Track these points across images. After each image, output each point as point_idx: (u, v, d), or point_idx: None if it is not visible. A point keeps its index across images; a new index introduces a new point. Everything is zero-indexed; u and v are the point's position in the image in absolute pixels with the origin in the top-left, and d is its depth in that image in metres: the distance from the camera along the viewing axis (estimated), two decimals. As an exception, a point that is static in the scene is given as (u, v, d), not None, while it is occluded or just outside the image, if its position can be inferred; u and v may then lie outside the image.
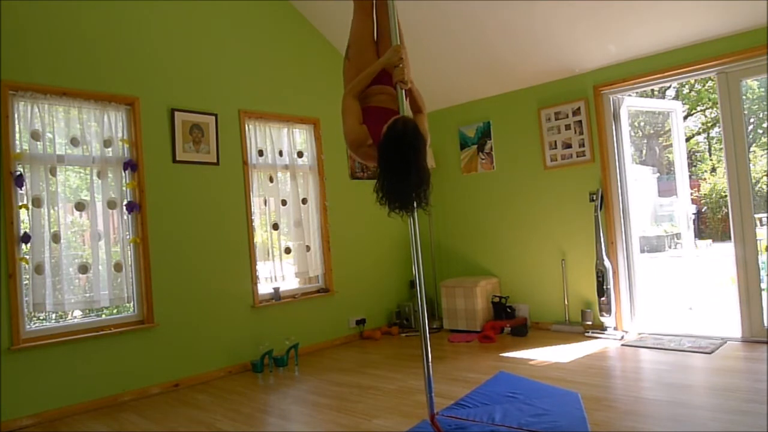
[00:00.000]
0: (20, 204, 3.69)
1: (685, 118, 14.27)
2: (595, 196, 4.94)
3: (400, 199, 2.38)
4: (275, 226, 5.09)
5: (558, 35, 4.73)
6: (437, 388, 3.09)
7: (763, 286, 4.30)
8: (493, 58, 5.20)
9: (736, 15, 4.05)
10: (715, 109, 13.15)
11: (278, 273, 5.06)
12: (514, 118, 5.54)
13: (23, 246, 3.68)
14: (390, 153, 2.35)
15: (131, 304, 4.21)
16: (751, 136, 11.19)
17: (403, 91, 2.63)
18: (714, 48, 4.31)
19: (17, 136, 3.71)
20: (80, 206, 3.99)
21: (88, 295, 3.95)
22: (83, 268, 3.93)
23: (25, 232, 3.68)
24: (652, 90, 11.07)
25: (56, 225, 3.80)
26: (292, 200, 5.23)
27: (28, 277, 3.69)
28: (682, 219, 5.53)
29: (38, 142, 3.77)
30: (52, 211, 3.79)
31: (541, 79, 5.28)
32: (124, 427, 3.44)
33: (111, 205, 4.10)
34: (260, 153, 5.05)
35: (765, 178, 10.75)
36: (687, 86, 13.70)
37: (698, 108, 14.33)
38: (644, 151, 13.99)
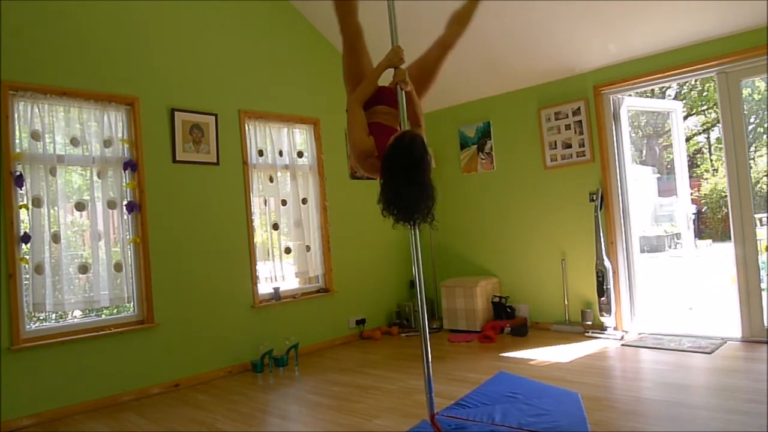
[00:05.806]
0: (20, 204, 3.69)
1: (685, 118, 14.28)
2: (595, 196, 4.94)
3: (405, 213, 2.36)
4: (275, 226, 5.09)
5: (558, 35, 4.73)
6: (437, 388, 3.08)
7: (763, 286, 4.30)
8: (493, 58, 5.19)
9: (736, 15, 4.05)
10: (714, 110, 13.15)
11: (278, 273, 5.06)
12: (514, 118, 5.53)
13: (23, 246, 3.68)
14: (395, 166, 2.30)
15: (131, 304, 4.21)
16: (751, 136, 11.18)
17: (404, 93, 2.62)
18: (714, 48, 4.31)
19: (17, 136, 3.71)
20: (80, 206, 3.99)
21: (88, 295, 3.95)
22: (83, 268, 3.93)
23: (25, 232, 3.68)
24: (653, 90, 11.07)
25: (56, 225, 3.80)
26: (292, 200, 5.23)
27: (28, 277, 3.69)
28: (682, 219, 5.53)
29: (38, 142, 3.77)
30: (52, 211, 3.79)
31: (541, 79, 5.28)
32: (124, 427, 3.44)
33: (111, 205, 4.10)
34: (260, 153, 5.05)
35: (765, 178, 10.76)
36: (688, 86, 13.71)
37: (701, 107, 14.33)
38: (644, 151, 14.00)
